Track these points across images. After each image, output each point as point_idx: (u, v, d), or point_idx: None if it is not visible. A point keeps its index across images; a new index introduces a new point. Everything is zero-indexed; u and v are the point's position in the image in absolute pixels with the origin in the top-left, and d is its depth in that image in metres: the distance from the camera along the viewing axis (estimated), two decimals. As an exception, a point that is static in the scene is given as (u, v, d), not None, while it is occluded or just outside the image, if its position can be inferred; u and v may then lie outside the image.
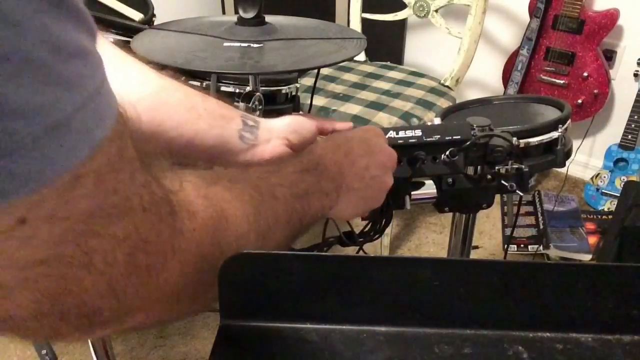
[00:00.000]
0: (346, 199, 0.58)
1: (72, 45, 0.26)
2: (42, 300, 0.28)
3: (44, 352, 1.47)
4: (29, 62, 0.24)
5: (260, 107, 0.92)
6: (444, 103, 1.78)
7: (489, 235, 2.01)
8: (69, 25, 0.26)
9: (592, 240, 1.90)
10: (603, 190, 2.09)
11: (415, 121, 1.67)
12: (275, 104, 1.22)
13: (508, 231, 1.97)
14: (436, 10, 1.91)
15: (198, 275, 0.38)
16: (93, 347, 1.17)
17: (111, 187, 0.29)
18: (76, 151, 0.26)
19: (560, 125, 0.81)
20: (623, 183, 1.96)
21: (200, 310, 0.41)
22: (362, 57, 2.07)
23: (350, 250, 0.73)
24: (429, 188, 0.73)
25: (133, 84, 0.60)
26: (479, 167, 0.74)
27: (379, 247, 1.80)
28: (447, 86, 1.87)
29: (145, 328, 0.38)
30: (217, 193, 0.43)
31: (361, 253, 0.73)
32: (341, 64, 1.97)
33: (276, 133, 0.69)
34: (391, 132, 0.67)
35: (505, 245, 1.93)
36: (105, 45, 0.59)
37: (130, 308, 0.33)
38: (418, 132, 0.69)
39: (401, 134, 0.68)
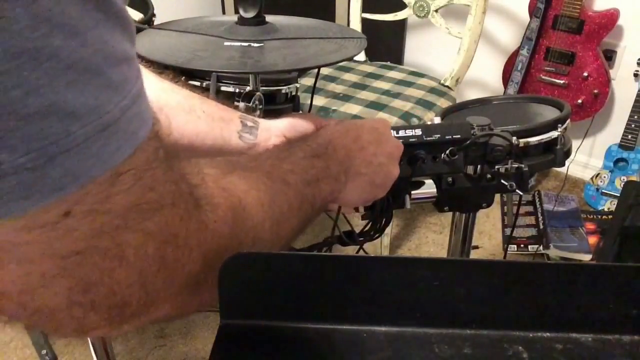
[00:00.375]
0: (353, 183, 0.58)
1: (120, 52, 0.29)
2: (76, 289, 0.30)
3: (44, 352, 1.47)
4: (87, 69, 0.27)
5: (261, 106, 0.92)
6: (444, 103, 1.78)
7: (489, 235, 2.01)
8: (118, 33, 0.29)
9: (592, 240, 1.90)
10: (603, 190, 2.09)
11: (415, 121, 1.67)
12: (275, 103, 1.22)
13: (508, 231, 1.97)
14: (436, 10, 1.91)
15: (217, 266, 0.39)
16: (93, 347, 1.17)
17: (148, 184, 0.31)
18: (121, 150, 0.29)
19: (560, 125, 0.81)
20: (623, 183, 1.96)
21: (214, 304, 0.41)
22: (362, 57, 2.07)
23: (350, 250, 0.73)
24: (429, 187, 0.73)
25: None
26: (478, 167, 0.74)
27: (379, 247, 1.80)
28: (447, 86, 1.87)
29: (167, 320, 0.39)
30: (234, 183, 0.43)
31: (361, 253, 0.73)
32: (341, 64, 1.97)
33: (275, 131, 0.69)
34: (391, 131, 0.67)
35: (505, 245, 1.93)
36: None
37: (157, 300, 0.35)
38: (418, 132, 0.69)
39: (401, 133, 0.68)
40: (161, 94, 0.63)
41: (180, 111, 0.63)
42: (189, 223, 0.35)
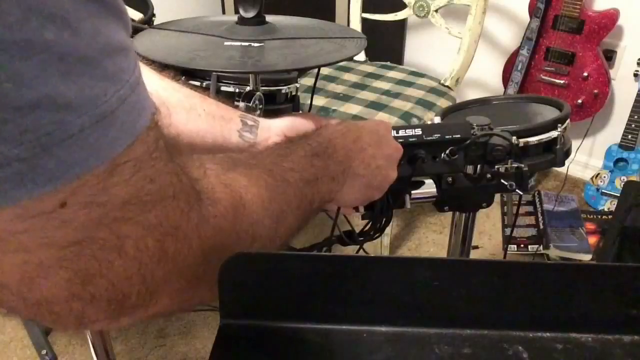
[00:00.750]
0: (350, 184, 0.58)
1: (115, 42, 0.29)
2: (75, 280, 0.30)
3: (44, 352, 1.47)
4: (81, 60, 0.27)
5: (261, 106, 0.92)
6: (444, 103, 1.78)
7: (489, 235, 2.01)
8: (112, 23, 0.28)
9: (592, 240, 1.90)
10: (603, 190, 2.09)
11: (415, 121, 1.67)
12: (275, 103, 1.22)
13: (508, 231, 1.97)
14: (436, 10, 1.91)
15: (216, 262, 0.39)
16: (93, 347, 1.17)
17: (148, 176, 0.31)
18: (120, 140, 0.28)
19: (559, 125, 0.81)
20: (623, 183, 1.96)
21: (212, 300, 0.41)
22: (362, 57, 2.07)
23: (350, 250, 0.73)
24: (429, 187, 0.73)
25: None
26: (478, 166, 0.74)
27: (379, 247, 1.80)
28: (447, 86, 1.87)
29: (166, 315, 0.39)
30: (235, 179, 0.43)
31: (361, 253, 0.73)
32: (341, 64, 1.97)
33: (275, 130, 0.70)
34: (391, 131, 0.67)
35: (505, 245, 1.93)
36: None
37: (156, 293, 0.34)
38: (418, 131, 0.69)
39: (401, 132, 0.68)
40: (161, 91, 0.63)
41: (180, 109, 0.63)
42: (190, 216, 0.35)
